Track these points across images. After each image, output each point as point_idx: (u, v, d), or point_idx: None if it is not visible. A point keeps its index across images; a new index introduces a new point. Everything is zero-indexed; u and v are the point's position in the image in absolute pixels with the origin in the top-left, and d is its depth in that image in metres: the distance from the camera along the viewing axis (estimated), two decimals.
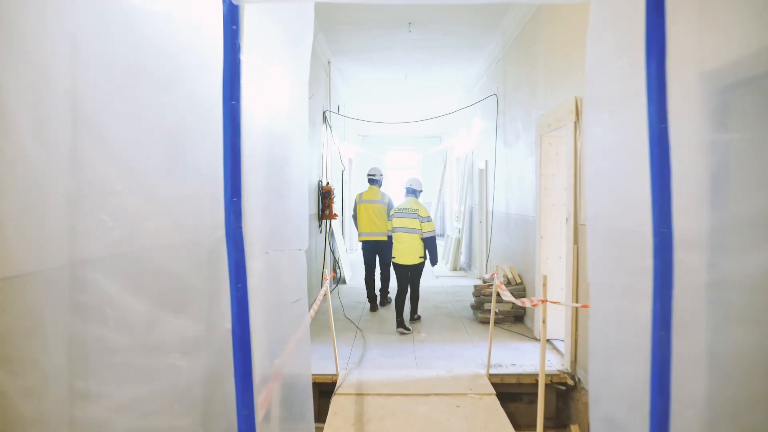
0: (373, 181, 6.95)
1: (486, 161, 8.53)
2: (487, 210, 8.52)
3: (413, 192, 6.18)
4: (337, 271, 8.88)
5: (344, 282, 8.85)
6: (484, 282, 6.31)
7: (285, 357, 1.54)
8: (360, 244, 6.96)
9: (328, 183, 7.79)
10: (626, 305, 1.43)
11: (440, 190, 13.57)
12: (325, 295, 4.24)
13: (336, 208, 8.84)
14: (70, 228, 1.37)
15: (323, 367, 4.44)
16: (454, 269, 10.29)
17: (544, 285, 2.77)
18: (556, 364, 4.52)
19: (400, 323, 5.69)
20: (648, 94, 1.35)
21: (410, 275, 5.94)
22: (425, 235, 5.82)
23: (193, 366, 1.36)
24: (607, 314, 1.49)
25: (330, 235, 8.25)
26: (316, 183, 7.23)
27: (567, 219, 4.40)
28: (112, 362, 1.40)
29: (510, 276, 6.15)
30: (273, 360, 1.48)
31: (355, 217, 6.96)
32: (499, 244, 7.47)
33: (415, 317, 6.09)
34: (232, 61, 1.35)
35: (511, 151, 6.76)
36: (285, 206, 1.58)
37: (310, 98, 6.68)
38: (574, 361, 4.27)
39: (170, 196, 1.37)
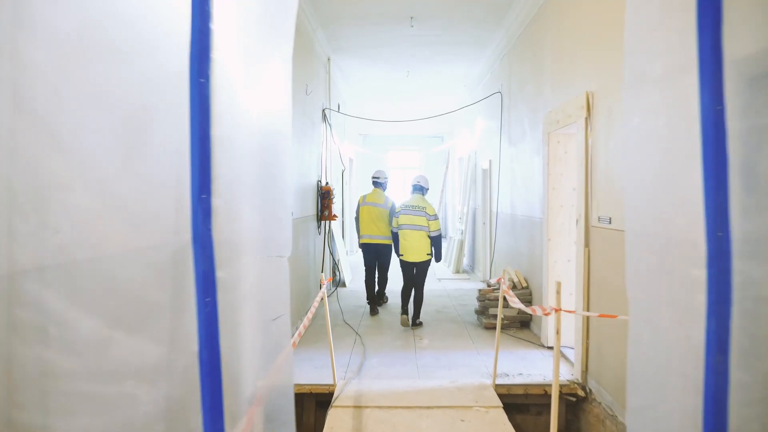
0: (377, 183, 6.86)
1: (490, 161, 8.30)
2: (491, 211, 8.29)
3: (420, 189, 6.13)
4: (337, 273, 8.66)
5: (344, 285, 8.62)
6: (489, 286, 6.08)
7: (264, 385, 1.31)
8: (362, 245, 6.87)
9: (327, 183, 7.56)
10: (674, 324, 1.19)
11: (442, 190, 13.34)
12: (322, 299, 4.02)
13: (336, 209, 8.62)
14: (7, 231, 1.14)
15: (320, 377, 4.21)
16: (457, 272, 10.05)
17: (558, 292, 2.53)
18: (565, 373, 4.28)
19: (405, 311, 5.90)
20: (700, 70, 1.12)
21: (416, 273, 5.94)
22: (432, 234, 5.85)
23: (153, 395, 1.13)
24: (650, 335, 1.26)
25: (329, 237, 8.03)
26: (314, 183, 7.01)
27: (577, 220, 4.17)
28: (57, 390, 1.17)
29: (516, 279, 5.92)
30: (248, 389, 1.24)
31: (357, 219, 6.90)
32: (503, 247, 7.24)
33: (417, 322, 5.92)
34: (201, 31, 1.13)
35: (517, 150, 6.53)
36: (264, 205, 1.34)
37: (308, 94, 6.45)
38: (585, 371, 4.03)
39: (127, 192, 1.14)
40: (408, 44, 7.64)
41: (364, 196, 6.83)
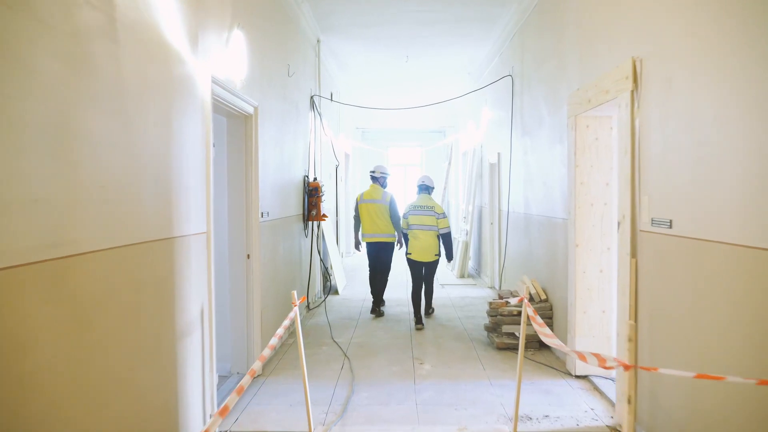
0: (374, 178, 6.60)
1: (498, 154, 7.42)
2: (500, 210, 7.41)
3: (426, 189, 6.15)
4: (328, 279, 7.78)
5: (336, 292, 7.74)
6: (501, 298, 5.20)
7: None
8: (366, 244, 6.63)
9: (315, 179, 6.68)
10: None
11: (445, 188, 12.42)
12: (302, 322, 3.14)
13: (329, 207, 7.74)
14: None
15: (294, 420, 3.33)
16: (462, 276, 9.16)
17: (631, 340, 1.63)
18: (602, 415, 3.41)
19: (419, 320, 5.76)
20: None
21: (425, 272, 5.99)
22: (442, 231, 5.92)
23: None
24: None
25: (319, 239, 7.15)
26: (300, 178, 6.13)
27: (619, 223, 3.29)
28: None
29: (533, 291, 5.03)
30: None
31: (356, 217, 6.63)
32: (515, 251, 6.35)
33: (429, 311, 6.11)
34: None
35: (532, 139, 5.64)
36: None
37: (290, 76, 5.56)
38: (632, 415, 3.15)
39: None
40: (407, 22, 6.74)
41: (362, 194, 6.61)
